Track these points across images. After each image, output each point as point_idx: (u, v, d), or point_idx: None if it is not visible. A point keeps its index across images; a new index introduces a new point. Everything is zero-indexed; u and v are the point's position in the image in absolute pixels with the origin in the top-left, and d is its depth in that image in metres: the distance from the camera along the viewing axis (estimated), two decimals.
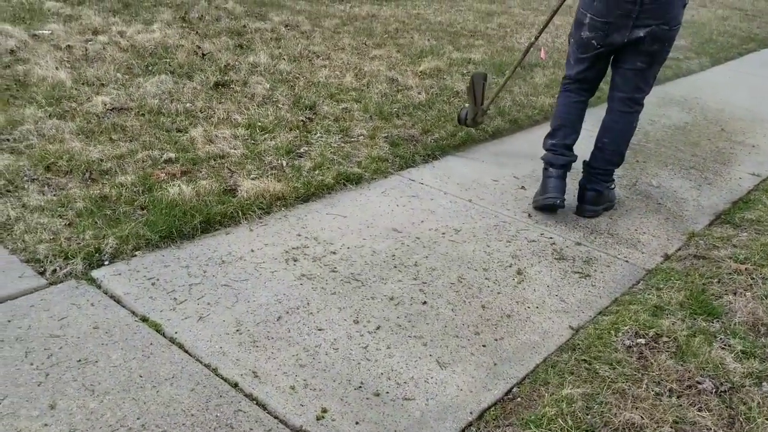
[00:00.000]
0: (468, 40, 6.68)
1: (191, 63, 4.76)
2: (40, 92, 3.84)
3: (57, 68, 4.19)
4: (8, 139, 3.19)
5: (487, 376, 2.02)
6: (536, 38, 3.35)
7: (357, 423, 1.78)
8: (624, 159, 3.13)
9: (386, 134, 3.84)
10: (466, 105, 3.79)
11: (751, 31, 10.05)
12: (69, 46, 4.80)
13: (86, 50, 4.69)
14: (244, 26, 6.14)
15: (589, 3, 2.82)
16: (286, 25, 6.44)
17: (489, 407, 1.89)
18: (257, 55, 5.16)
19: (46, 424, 1.67)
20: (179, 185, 2.84)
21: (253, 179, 3.05)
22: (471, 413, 1.86)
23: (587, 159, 3.15)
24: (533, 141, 4.03)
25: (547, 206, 3.02)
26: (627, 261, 2.78)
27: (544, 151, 3.11)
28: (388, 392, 1.91)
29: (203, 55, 4.99)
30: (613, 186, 3.21)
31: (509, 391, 1.97)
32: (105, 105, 3.75)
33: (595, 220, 3.12)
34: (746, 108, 5.39)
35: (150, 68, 4.55)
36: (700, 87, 6.05)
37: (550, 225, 3.00)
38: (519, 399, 1.93)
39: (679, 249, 2.92)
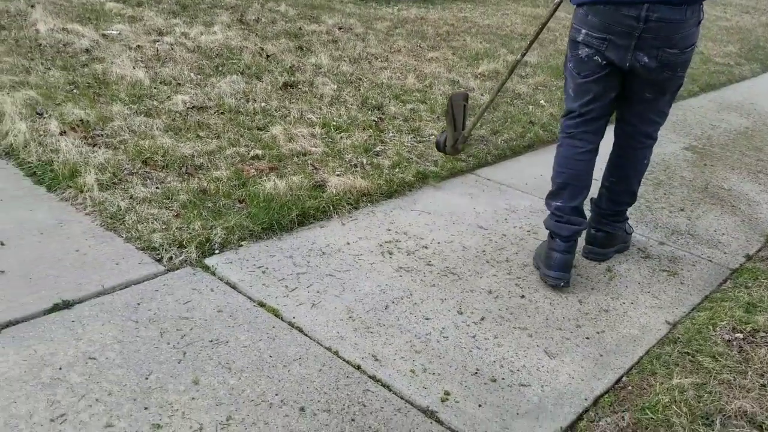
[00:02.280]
0: (519, 43, 6.74)
1: (257, 64, 4.88)
2: (122, 90, 3.97)
3: (134, 67, 4.33)
4: (101, 135, 3.32)
5: (595, 366, 2.08)
6: (522, 56, 3.00)
7: (480, 406, 1.86)
8: (636, 197, 2.71)
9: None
10: (446, 130, 3.40)
11: None
12: (139, 46, 4.95)
13: (157, 50, 4.83)
14: (300, 28, 6.27)
15: (582, 17, 2.34)
16: (340, 28, 6.55)
17: (602, 394, 1.96)
18: (318, 56, 5.27)
19: (193, 398, 1.77)
20: (274, 180, 2.95)
21: (338, 176, 3.14)
22: (586, 399, 1.93)
23: (595, 196, 2.77)
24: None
25: (550, 285, 2.51)
26: (711, 260, 2.83)
27: (548, 213, 2.58)
28: (503, 378, 1.99)
29: (267, 56, 5.11)
30: (630, 231, 2.85)
31: (619, 380, 2.03)
32: (185, 103, 3.87)
33: (674, 221, 3.18)
34: None
35: (220, 69, 4.68)
36: (756, 93, 6.06)
37: (638, 222, 3.05)
38: (630, 388, 1.99)
39: (760, 250, 2.96)
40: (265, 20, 6.45)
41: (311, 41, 5.81)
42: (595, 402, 1.93)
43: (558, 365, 2.07)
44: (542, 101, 4.81)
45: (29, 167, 2.95)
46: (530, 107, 4.64)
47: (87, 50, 4.65)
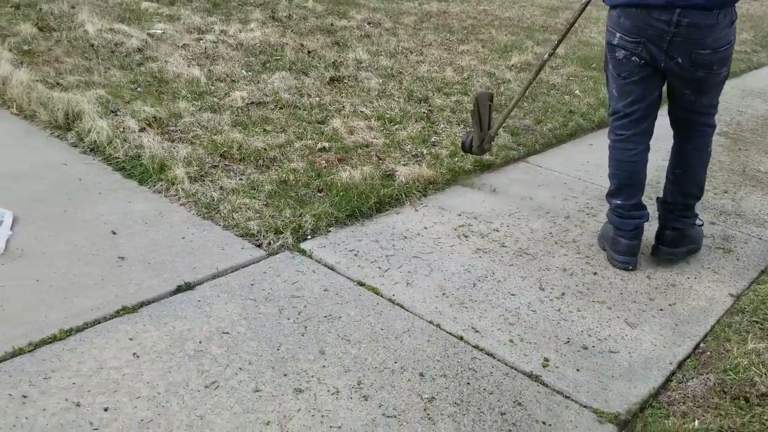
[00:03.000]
0: (542, 35, 6.91)
1: (301, 60, 5.06)
2: (182, 88, 4.15)
3: (189, 65, 4.50)
4: (175, 131, 3.51)
5: (673, 334, 2.28)
6: (550, 56, 3.03)
7: (578, 370, 2.06)
8: (703, 190, 2.69)
9: (506, 124, 4.10)
10: (470, 129, 3.32)
11: None
12: (185, 44, 5.12)
13: (204, 49, 5.01)
14: (332, 24, 6.43)
15: (615, 20, 2.42)
16: (369, 23, 6.71)
17: (684, 359, 2.16)
18: (355, 51, 5.44)
19: (323, 366, 1.97)
20: (349, 170, 3.13)
21: (404, 165, 3.33)
22: (671, 363, 2.13)
23: (661, 195, 2.77)
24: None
25: (618, 268, 2.67)
26: (761, 238, 3.02)
27: (609, 209, 2.71)
28: (593, 346, 2.18)
29: (308, 52, 5.28)
30: (699, 223, 2.81)
31: (697, 346, 2.23)
32: (243, 99, 4.05)
33: (720, 202, 3.37)
34: None
35: (267, 65, 4.85)
36: None
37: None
38: (708, 353, 2.19)
39: None
40: (296, 17, 6.61)
41: (345, 36, 5.98)
42: (679, 366, 2.13)
43: (640, 334, 2.26)
44: (577, 91, 4.99)
45: (117, 162, 3.13)
46: (566, 97, 4.82)
47: (139, 49, 4.83)
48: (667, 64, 2.37)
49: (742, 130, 4.65)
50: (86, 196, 2.84)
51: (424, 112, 4.17)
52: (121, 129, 3.36)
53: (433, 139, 3.78)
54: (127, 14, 5.99)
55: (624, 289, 2.53)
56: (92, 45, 4.84)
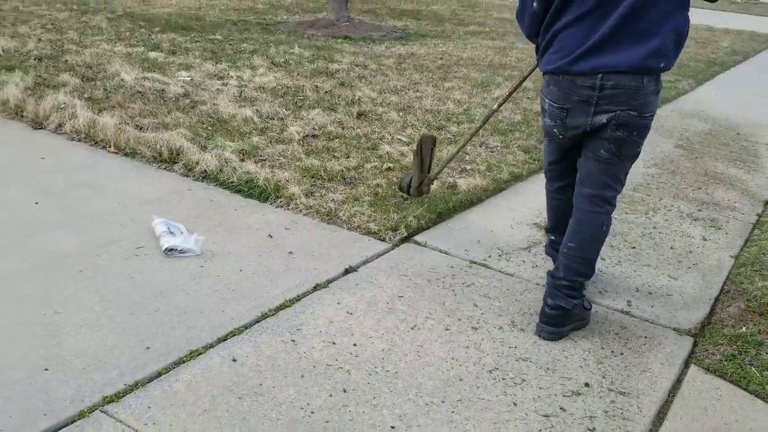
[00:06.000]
0: (505, 71, 7.95)
1: (323, 99, 5.80)
2: (242, 126, 4.80)
3: (239, 107, 5.16)
4: (264, 159, 4.17)
5: (703, 281, 3.16)
6: (495, 110, 3.18)
7: (652, 306, 2.89)
8: (594, 270, 2.67)
9: (516, 144, 4.99)
10: (410, 171, 3.42)
11: (708, 56, 11.78)
12: (218, 89, 5.76)
13: (241, 93, 5.67)
14: (327, 67, 7.21)
15: (546, 86, 2.48)
16: (357, 65, 7.54)
17: (718, 296, 3.03)
18: (362, 90, 6.24)
19: (482, 313, 2.71)
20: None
21: (460, 178, 4.13)
22: (710, 299, 2.99)
23: (551, 269, 2.69)
24: None
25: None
26: (736, 219, 4.00)
27: (547, 241, 3.01)
28: (655, 292, 3.02)
29: (326, 92, 6.03)
30: (588, 306, 2.71)
31: (722, 288, 3.11)
32: (299, 133, 4.75)
33: (699, 196, 4.35)
34: (742, 116, 6.85)
35: (298, 104, 5.57)
36: (701, 102, 7.50)
37: (676, 198, 4.20)
38: (732, 292, 3.08)
39: (764, 211, 4.17)
40: (292, 62, 7.35)
41: (344, 78, 6.77)
42: (716, 300, 3.00)
43: (681, 283, 3.13)
44: None
45: (232, 186, 3.77)
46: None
47: (184, 95, 5.43)
48: (593, 125, 2.39)
49: (692, 143, 5.74)
50: (226, 212, 3.47)
51: (449, 138, 5.00)
52: (224, 160, 4.00)
53: (467, 158, 4.60)
54: (146, 64, 6.55)
55: (659, 256, 3.40)
56: (140, 92, 5.41)
